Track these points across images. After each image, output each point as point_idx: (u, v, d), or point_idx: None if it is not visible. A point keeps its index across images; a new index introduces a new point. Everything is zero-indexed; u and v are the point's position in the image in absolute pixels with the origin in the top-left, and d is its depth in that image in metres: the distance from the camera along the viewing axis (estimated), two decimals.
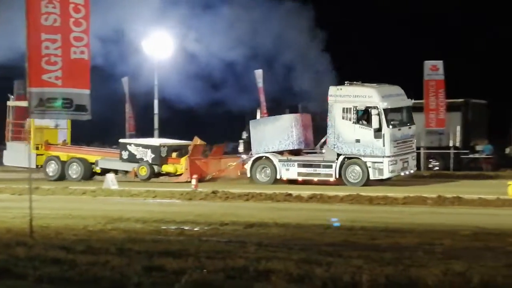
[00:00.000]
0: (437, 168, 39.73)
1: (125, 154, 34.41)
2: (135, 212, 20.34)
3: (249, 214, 19.92)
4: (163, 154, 34.06)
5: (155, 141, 35.87)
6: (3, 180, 32.92)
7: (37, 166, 36.00)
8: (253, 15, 41.94)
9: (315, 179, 31.13)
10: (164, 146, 34.54)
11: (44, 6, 16.05)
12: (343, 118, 30.49)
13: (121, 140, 36.10)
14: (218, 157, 35.31)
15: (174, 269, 11.04)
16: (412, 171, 31.62)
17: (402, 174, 30.83)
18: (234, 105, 45.68)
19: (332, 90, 31.12)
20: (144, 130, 44.66)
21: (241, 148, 44.30)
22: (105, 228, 16.91)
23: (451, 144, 39.75)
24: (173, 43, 42.12)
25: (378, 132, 29.82)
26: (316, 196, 24.59)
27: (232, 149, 45.58)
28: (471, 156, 41.13)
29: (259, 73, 44.88)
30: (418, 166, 34.31)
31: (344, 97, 30.68)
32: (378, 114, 29.80)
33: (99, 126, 37.66)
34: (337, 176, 30.54)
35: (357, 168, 30.22)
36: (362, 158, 30.06)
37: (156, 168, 33.91)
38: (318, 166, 31.13)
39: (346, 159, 30.50)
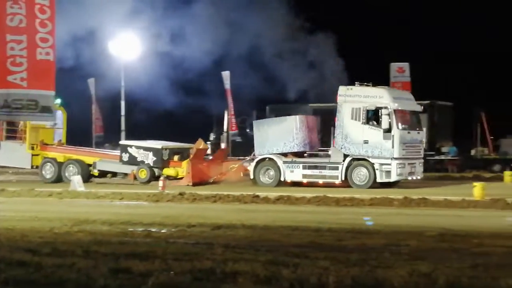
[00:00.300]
0: None
1: (125, 157, 33.71)
2: (101, 214, 20.21)
3: (216, 216, 19.90)
4: (165, 157, 33.42)
5: (157, 143, 35.08)
6: None
7: (32, 166, 35.47)
8: (226, 15, 42.02)
9: (321, 181, 30.69)
10: (166, 148, 33.83)
11: (9, 6, 15.96)
12: (352, 118, 30.16)
13: (121, 142, 35.34)
14: (220, 160, 34.73)
15: (141, 271, 11.00)
16: (419, 177, 31.17)
17: (409, 178, 30.44)
18: (203, 106, 45.73)
19: (342, 90, 30.81)
20: (112, 132, 44.48)
21: (208, 150, 44.20)
22: (71, 230, 16.79)
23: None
24: (141, 44, 42.00)
25: (387, 133, 29.47)
26: (284, 197, 24.66)
27: None
28: (437, 157, 41.46)
29: (226, 74, 45.00)
30: None
31: (354, 97, 30.34)
32: (388, 115, 29.46)
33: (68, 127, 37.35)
34: (343, 178, 30.15)
35: (364, 170, 29.87)
36: (370, 160, 29.73)
37: (156, 171, 33.26)
38: (324, 168, 30.69)
39: (353, 161, 30.12)
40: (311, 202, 23.90)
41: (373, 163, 29.63)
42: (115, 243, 14.39)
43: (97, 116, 49.87)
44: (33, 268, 11.36)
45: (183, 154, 33.60)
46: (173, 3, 42.35)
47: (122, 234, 16.18)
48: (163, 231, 16.90)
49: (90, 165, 34.54)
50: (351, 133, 30.13)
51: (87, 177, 34.10)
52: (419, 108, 31.39)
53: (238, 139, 44.93)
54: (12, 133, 36.38)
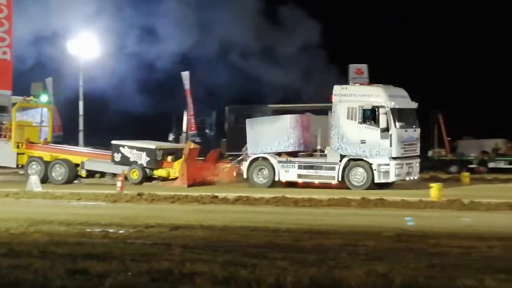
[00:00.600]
0: None
1: (117, 157, 32.76)
2: (58, 214, 20.05)
3: (174, 217, 19.85)
4: (159, 158, 32.56)
5: (151, 143, 34.14)
6: None
7: (17, 165, 34.54)
8: (189, 15, 41.95)
9: (316, 181, 30.12)
10: (160, 149, 33.01)
11: None
12: (347, 118, 29.57)
13: (113, 142, 33.94)
14: (212, 161, 33.95)
15: (98, 272, 10.94)
16: (416, 177, 30.71)
17: (407, 178, 29.95)
18: (162, 106, 45.58)
19: (337, 89, 30.15)
20: (70, 131, 44.04)
21: None
22: (28, 231, 16.64)
23: None
24: (100, 43, 41.73)
25: (385, 132, 29.00)
26: (242, 198, 24.66)
27: None
28: None
29: (185, 75, 44.89)
30: None
31: (350, 97, 29.74)
32: (386, 114, 28.98)
33: None
34: (340, 179, 29.58)
35: (361, 170, 29.30)
36: (368, 160, 29.21)
37: (148, 171, 32.48)
38: (320, 168, 30.08)
39: (350, 161, 29.58)
40: (270, 203, 23.92)
41: (371, 163, 29.09)
42: (72, 243, 14.30)
43: (55, 116, 49.42)
44: None
45: (177, 155, 32.78)
46: (134, 2, 42.25)
47: (80, 235, 16.08)
48: (121, 231, 16.82)
49: (77, 165, 33.60)
50: (348, 133, 29.52)
51: (74, 177, 33.43)
52: (415, 105, 30.66)
53: (197, 139, 44.78)
54: None
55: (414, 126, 30.48)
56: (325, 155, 30.44)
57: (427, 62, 52.06)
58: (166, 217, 19.76)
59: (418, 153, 31.11)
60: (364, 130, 29.35)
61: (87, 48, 40.93)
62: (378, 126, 29.11)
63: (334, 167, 29.70)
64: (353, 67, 42.83)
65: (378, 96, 29.42)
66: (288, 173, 30.59)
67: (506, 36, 52.65)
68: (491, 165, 42.36)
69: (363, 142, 29.30)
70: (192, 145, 33.26)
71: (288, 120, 31.78)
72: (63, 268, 11.14)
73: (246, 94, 47.44)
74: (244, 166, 31.60)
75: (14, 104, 34.80)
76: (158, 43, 43.31)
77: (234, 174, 33.23)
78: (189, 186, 30.72)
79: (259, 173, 31.17)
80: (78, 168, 33.61)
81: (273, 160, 30.84)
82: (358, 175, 29.39)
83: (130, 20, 41.70)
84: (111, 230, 16.90)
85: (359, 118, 29.42)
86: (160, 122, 49.83)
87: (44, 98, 36.41)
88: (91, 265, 11.41)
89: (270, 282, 10.20)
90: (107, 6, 40.70)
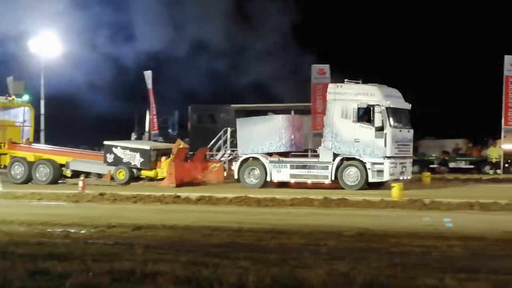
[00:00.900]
0: None
1: (110, 157, 32.28)
2: (19, 214, 19.86)
3: (137, 216, 19.78)
4: (153, 158, 32.15)
5: (145, 143, 33.91)
6: None
7: (0, 166, 34.06)
8: (153, 14, 41.85)
9: (309, 181, 29.99)
10: (154, 149, 32.64)
11: None
12: (342, 116, 29.39)
13: (106, 142, 33.55)
14: (200, 160, 33.78)
15: (59, 272, 10.86)
16: (409, 177, 30.64)
17: (401, 178, 29.70)
18: (126, 105, 45.39)
19: (331, 87, 30.00)
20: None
21: None
22: None
23: None
24: (62, 43, 41.47)
25: (379, 131, 28.82)
26: (205, 198, 24.64)
27: None
28: None
29: (148, 74, 44.77)
30: None
31: (344, 95, 29.52)
32: (381, 113, 28.81)
33: None
34: (333, 178, 29.44)
35: (355, 169, 29.19)
36: (361, 159, 29.09)
37: (135, 172, 32.07)
38: (313, 167, 29.86)
39: (343, 160, 29.42)
40: (233, 203, 23.94)
41: (365, 163, 29.00)
42: (33, 244, 14.17)
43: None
44: None
45: (170, 155, 32.35)
46: (97, 1, 42.05)
47: (41, 235, 15.94)
48: (82, 231, 16.72)
49: (62, 165, 33.14)
50: (341, 131, 29.38)
51: (59, 178, 32.88)
52: (408, 106, 30.59)
53: (160, 139, 44.67)
54: None
55: (407, 127, 30.36)
56: (318, 155, 30.31)
57: (388, 61, 52.37)
58: (128, 217, 19.69)
59: (411, 154, 31.14)
60: (358, 129, 29.25)
61: (49, 46, 40.64)
62: (373, 125, 29.01)
63: (327, 166, 29.53)
64: (315, 67, 42.93)
65: (373, 95, 29.30)
66: (281, 173, 30.40)
67: (464, 34, 53.27)
68: (452, 165, 42.84)
69: (357, 141, 29.19)
70: (182, 144, 32.84)
71: (280, 120, 31.70)
72: (23, 269, 11.04)
73: (210, 94, 47.48)
74: (235, 167, 31.31)
75: None
76: (121, 42, 43.15)
77: (225, 174, 33.03)
78: (177, 186, 30.33)
79: (251, 173, 30.90)
80: (63, 169, 33.10)
81: (265, 160, 30.61)
82: (351, 175, 29.25)
83: (95, 19, 41.48)
84: (72, 230, 16.78)
85: (353, 117, 29.30)
86: (123, 121, 49.63)
87: (26, 97, 36.02)
88: (52, 265, 11.33)
89: (232, 281, 10.20)
90: (71, 4, 40.46)
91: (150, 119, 46.62)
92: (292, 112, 34.47)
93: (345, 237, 15.42)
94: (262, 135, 31.17)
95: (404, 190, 25.18)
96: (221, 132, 38.28)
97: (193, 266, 11.34)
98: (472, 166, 42.76)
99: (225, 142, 38.04)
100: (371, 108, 29.04)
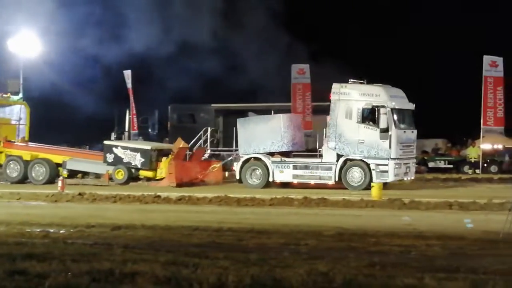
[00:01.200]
0: None
1: (110, 157, 31.86)
2: None
3: (116, 216, 19.73)
4: (154, 159, 31.83)
5: (146, 144, 33.56)
6: None
7: None
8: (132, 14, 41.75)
9: (313, 182, 29.60)
10: (155, 149, 32.27)
11: None
12: (346, 117, 28.98)
13: (106, 142, 33.37)
14: (198, 160, 33.55)
15: (38, 272, 10.82)
16: (412, 177, 30.32)
17: (405, 179, 29.56)
18: (106, 105, 45.23)
19: (336, 87, 29.42)
20: None
21: None
22: None
23: (318, 147, 40.43)
24: (41, 42, 41.24)
25: (384, 132, 28.42)
26: (185, 197, 24.61)
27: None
28: None
29: (127, 74, 44.63)
30: None
31: (349, 95, 29.10)
32: (386, 114, 28.39)
33: None
34: (337, 179, 29.05)
35: (359, 170, 28.80)
36: (366, 160, 28.68)
37: (134, 171, 31.74)
38: (316, 168, 29.44)
39: (347, 161, 29.06)
40: (213, 202, 23.92)
41: (369, 164, 28.57)
42: (12, 244, 14.11)
43: None
44: None
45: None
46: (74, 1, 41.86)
47: (19, 235, 15.87)
48: (61, 231, 16.66)
49: (59, 165, 32.64)
50: (346, 132, 28.96)
51: (55, 177, 32.10)
52: (412, 106, 30.05)
53: (140, 139, 44.56)
54: None
55: (411, 127, 30.10)
56: (321, 155, 30.03)
57: (363, 62, 52.51)
58: (108, 216, 19.63)
59: (415, 155, 30.93)
60: (363, 130, 28.84)
61: (28, 46, 40.41)
62: (378, 126, 28.63)
63: (331, 167, 29.20)
64: (295, 67, 43.02)
65: (378, 95, 28.93)
66: (283, 173, 30.07)
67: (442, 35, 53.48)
68: (431, 164, 42.96)
69: (361, 142, 28.80)
70: (182, 144, 32.60)
71: (281, 120, 31.36)
72: (1, 269, 10.98)
73: (190, 93, 47.40)
74: (237, 167, 30.96)
75: None
76: (100, 41, 42.99)
77: (226, 175, 32.79)
78: (177, 185, 30.08)
79: (252, 173, 30.58)
80: (59, 168, 32.62)
81: (267, 160, 30.32)
82: (355, 175, 28.92)
83: (74, 18, 41.30)
84: (51, 230, 16.71)
85: (358, 118, 28.92)
86: (103, 121, 49.43)
87: (21, 95, 35.69)
88: (31, 265, 11.28)
89: (212, 281, 10.19)
90: (51, 3, 40.26)
91: (130, 118, 46.46)
92: (272, 112, 34.44)
93: (324, 237, 15.45)
94: (263, 135, 30.89)
95: (383, 189, 25.26)
96: (201, 132, 38.26)
97: (172, 266, 11.32)
98: (451, 166, 42.89)
99: (205, 141, 38.02)
100: (376, 109, 28.68)
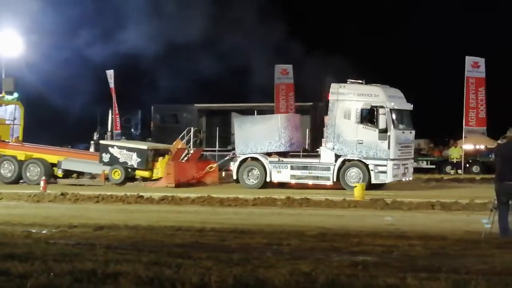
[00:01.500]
0: None
1: (105, 157, 31.69)
2: None
3: (99, 216, 19.69)
4: (150, 158, 31.68)
5: (142, 143, 33.41)
6: None
7: None
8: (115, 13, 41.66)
9: (310, 182, 29.56)
10: (152, 149, 32.14)
11: None
12: (344, 117, 28.90)
13: (102, 142, 33.28)
14: (195, 160, 33.39)
15: (20, 272, 10.76)
16: (410, 178, 30.32)
17: (403, 179, 29.52)
18: (89, 104, 45.11)
19: (334, 87, 29.30)
20: None
21: (92, 149, 43.57)
22: None
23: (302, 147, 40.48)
24: (23, 41, 41.08)
25: (383, 133, 28.40)
26: (168, 197, 24.60)
27: (84, 149, 44.68)
28: None
29: (110, 73, 44.50)
30: None
31: (347, 95, 29.00)
32: (385, 114, 28.35)
33: None
34: (335, 180, 29.01)
35: (358, 171, 28.75)
36: (364, 161, 28.61)
37: (130, 171, 31.55)
38: (315, 168, 29.35)
39: (345, 162, 28.98)
40: (196, 202, 23.92)
41: (368, 164, 28.54)
42: None
43: None
44: None
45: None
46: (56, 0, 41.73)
47: (1, 235, 15.78)
48: (43, 231, 16.59)
49: (54, 165, 32.49)
50: (344, 133, 28.94)
51: (50, 177, 31.92)
52: (410, 107, 30.02)
53: (122, 139, 44.49)
54: None
55: (409, 128, 30.06)
56: (319, 155, 29.91)
57: (349, 61, 52.62)
58: (90, 217, 19.59)
59: (413, 155, 30.92)
60: (361, 131, 28.82)
61: (10, 45, 40.22)
62: (377, 127, 28.61)
63: (329, 167, 29.11)
64: (278, 68, 43.05)
65: (377, 96, 28.88)
66: (281, 173, 29.97)
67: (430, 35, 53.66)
68: (413, 165, 43.08)
69: (360, 142, 28.75)
70: (180, 144, 32.51)
71: (279, 120, 31.34)
72: None
73: (173, 94, 47.32)
74: (234, 167, 30.83)
75: None
76: (85, 40, 42.91)
77: (223, 175, 32.67)
78: (176, 186, 29.97)
79: (250, 173, 30.47)
80: (54, 168, 32.46)
81: (264, 161, 30.19)
82: (354, 176, 28.81)
83: (56, 17, 41.15)
84: (33, 230, 16.64)
85: (356, 118, 28.86)
86: (86, 120, 49.31)
87: (16, 95, 35.48)
88: (13, 265, 11.22)
89: (195, 281, 10.18)
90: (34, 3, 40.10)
91: (112, 118, 46.34)
92: (255, 112, 34.47)
93: (307, 237, 15.46)
94: (261, 134, 30.78)
95: (366, 189, 25.32)
96: (184, 132, 38.23)
97: (155, 266, 11.30)
98: (433, 166, 43.11)
99: (188, 141, 37.97)
100: (375, 109, 28.68)
